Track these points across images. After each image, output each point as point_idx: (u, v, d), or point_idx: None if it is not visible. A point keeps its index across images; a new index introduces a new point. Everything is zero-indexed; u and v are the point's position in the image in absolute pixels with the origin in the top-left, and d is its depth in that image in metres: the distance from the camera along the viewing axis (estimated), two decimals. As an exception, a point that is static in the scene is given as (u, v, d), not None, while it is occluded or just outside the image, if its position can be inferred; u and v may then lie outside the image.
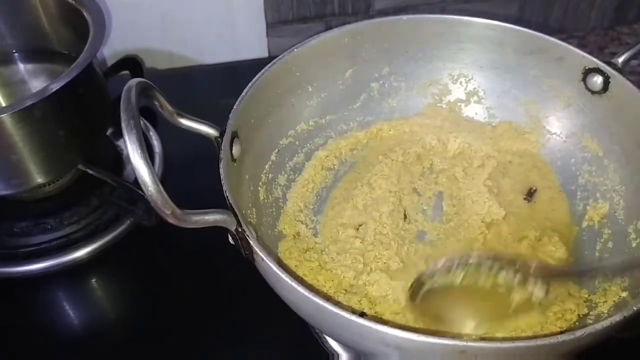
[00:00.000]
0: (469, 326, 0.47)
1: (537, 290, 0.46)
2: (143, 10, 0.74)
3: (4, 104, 0.65)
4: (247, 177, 0.54)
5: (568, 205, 0.59)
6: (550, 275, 0.47)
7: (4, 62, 0.66)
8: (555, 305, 0.49)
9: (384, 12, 0.80)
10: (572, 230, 0.57)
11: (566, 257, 0.54)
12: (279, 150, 0.59)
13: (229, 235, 0.44)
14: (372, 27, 0.62)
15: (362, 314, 0.49)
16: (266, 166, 0.58)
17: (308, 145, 0.62)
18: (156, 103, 0.45)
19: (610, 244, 0.54)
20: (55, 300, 0.58)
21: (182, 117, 0.48)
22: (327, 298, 0.49)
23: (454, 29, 0.62)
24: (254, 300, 0.54)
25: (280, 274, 0.41)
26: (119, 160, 0.67)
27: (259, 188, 0.56)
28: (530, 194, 0.53)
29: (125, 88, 0.40)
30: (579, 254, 0.55)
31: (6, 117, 0.50)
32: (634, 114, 0.54)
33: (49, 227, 0.60)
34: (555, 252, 0.54)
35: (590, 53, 0.57)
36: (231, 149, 0.49)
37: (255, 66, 0.55)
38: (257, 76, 0.54)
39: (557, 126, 0.62)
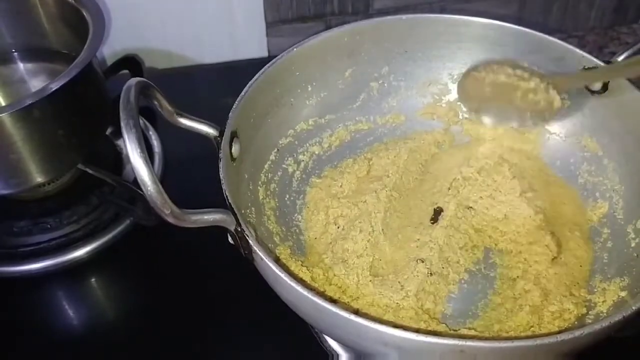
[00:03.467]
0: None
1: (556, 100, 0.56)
2: (143, 10, 0.74)
3: (3, 104, 0.64)
4: (246, 176, 0.54)
5: (579, 198, 0.59)
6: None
7: (4, 61, 0.66)
8: (554, 305, 0.49)
9: (384, 12, 0.80)
10: (587, 225, 0.57)
11: (587, 254, 0.54)
12: (278, 149, 0.59)
13: (229, 235, 0.44)
14: (372, 26, 0.62)
15: (359, 313, 0.49)
16: (265, 166, 0.58)
17: (307, 144, 0.62)
18: (156, 102, 0.45)
19: (609, 244, 0.54)
20: (54, 299, 0.58)
21: (182, 116, 0.48)
22: (326, 297, 0.49)
23: (453, 29, 0.62)
24: (253, 300, 0.54)
25: (279, 273, 0.41)
26: (119, 160, 0.67)
27: (259, 187, 0.56)
28: (436, 214, 0.55)
29: (124, 87, 0.40)
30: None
31: (5, 117, 0.50)
32: (634, 113, 0.54)
33: (49, 226, 0.60)
34: (577, 250, 0.54)
35: (589, 53, 0.57)
36: (231, 149, 0.49)
37: (254, 66, 0.55)
38: (256, 76, 0.54)
39: (557, 126, 0.62)
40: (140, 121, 0.66)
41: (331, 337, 0.50)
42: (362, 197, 0.57)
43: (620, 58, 0.56)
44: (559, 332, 0.43)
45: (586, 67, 0.57)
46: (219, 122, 0.49)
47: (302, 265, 0.52)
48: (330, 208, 0.57)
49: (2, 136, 0.51)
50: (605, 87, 0.56)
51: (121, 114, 0.37)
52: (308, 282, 0.51)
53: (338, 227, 0.55)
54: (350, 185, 0.59)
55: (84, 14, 0.58)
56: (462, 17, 0.61)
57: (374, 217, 0.55)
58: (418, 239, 0.55)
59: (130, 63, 0.70)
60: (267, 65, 0.55)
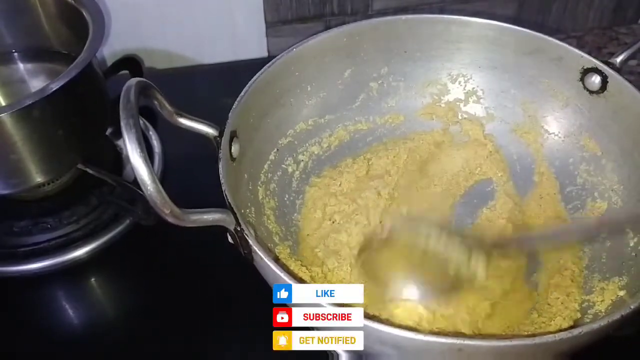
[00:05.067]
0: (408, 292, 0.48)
1: (479, 270, 0.48)
2: (143, 10, 0.74)
3: (3, 104, 0.65)
4: (246, 176, 0.54)
5: (562, 205, 0.59)
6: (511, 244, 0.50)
7: (4, 61, 0.66)
8: (552, 305, 0.49)
9: (383, 12, 0.80)
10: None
11: (572, 259, 0.54)
12: (277, 149, 0.59)
13: (228, 235, 0.44)
14: (371, 27, 0.62)
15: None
16: (265, 165, 0.58)
17: (307, 144, 0.62)
18: (156, 102, 0.45)
19: (608, 243, 0.54)
20: (54, 299, 0.58)
21: (182, 116, 0.48)
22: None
23: (452, 29, 0.62)
24: (252, 300, 0.54)
25: (278, 272, 0.41)
26: (119, 160, 0.67)
27: (258, 187, 0.56)
28: None
29: (124, 87, 0.40)
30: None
31: (5, 117, 0.50)
32: (632, 113, 0.54)
33: (49, 226, 0.60)
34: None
35: (588, 53, 0.57)
36: (230, 149, 0.49)
37: (254, 66, 0.55)
38: (256, 76, 0.54)
39: (555, 126, 0.62)
40: (140, 121, 0.66)
41: (330, 337, 0.50)
42: (361, 194, 0.57)
43: (619, 58, 0.56)
44: (558, 331, 0.43)
45: (585, 67, 0.57)
46: (219, 122, 0.49)
47: (301, 264, 0.52)
48: (328, 205, 0.57)
49: (2, 136, 0.51)
50: (604, 87, 0.56)
51: (121, 113, 0.37)
52: (307, 281, 0.51)
53: (333, 222, 0.55)
54: (350, 184, 0.60)
55: (84, 14, 0.58)
56: (461, 18, 0.61)
57: (372, 212, 0.55)
58: None
59: (130, 63, 0.71)
60: (267, 65, 0.56)
